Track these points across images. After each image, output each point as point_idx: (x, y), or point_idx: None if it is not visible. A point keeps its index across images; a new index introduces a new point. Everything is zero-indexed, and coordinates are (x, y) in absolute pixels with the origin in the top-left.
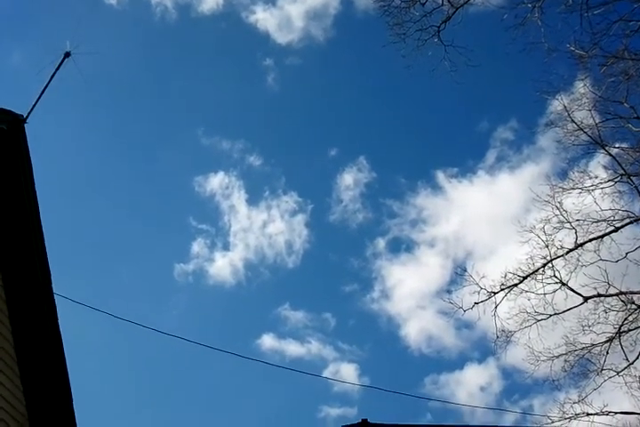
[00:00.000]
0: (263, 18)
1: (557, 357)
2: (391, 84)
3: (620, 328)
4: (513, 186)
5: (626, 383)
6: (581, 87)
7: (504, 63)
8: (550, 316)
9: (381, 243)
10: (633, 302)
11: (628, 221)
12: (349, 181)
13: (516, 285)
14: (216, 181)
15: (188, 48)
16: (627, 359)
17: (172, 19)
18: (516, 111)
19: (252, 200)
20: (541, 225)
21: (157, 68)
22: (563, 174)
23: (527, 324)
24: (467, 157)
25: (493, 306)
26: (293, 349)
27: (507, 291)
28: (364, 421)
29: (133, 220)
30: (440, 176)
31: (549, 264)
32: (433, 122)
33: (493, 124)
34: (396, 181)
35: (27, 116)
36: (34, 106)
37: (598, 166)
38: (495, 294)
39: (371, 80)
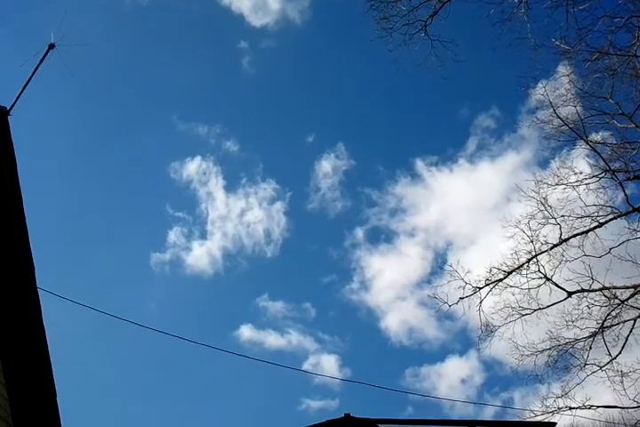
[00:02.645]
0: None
1: (541, 351)
2: (370, 69)
3: (603, 323)
4: (494, 174)
5: (608, 378)
6: (567, 83)
7: (488, 56)
8: (534, 311)
9: (360, 233)
10: (616, 298)
11: (611, 216)
12: (328, 168)
13: (500, 280)
14: (192, 167)
15: (161, 30)
16: (609, 354)
17: (144, 0)
18: (497, 99)
19: (230, 187)
20: (526, 220)
21: (129, 52)
22: (544, 163)
23: (511, 318)
24: (447, 145)
25: (478, 301)
26: (273, 340)
27: (492, 286)
28: (347, 415)
29: (108, 208)
30: (419, 164)
31: (534, 259)
32: (412, 108)
33: (474, 111)
34: (374, 169)
35: (10, 109)
36: (17, 98)
37: (581, 159)
38: (480, 289)
39: (349, 64)
